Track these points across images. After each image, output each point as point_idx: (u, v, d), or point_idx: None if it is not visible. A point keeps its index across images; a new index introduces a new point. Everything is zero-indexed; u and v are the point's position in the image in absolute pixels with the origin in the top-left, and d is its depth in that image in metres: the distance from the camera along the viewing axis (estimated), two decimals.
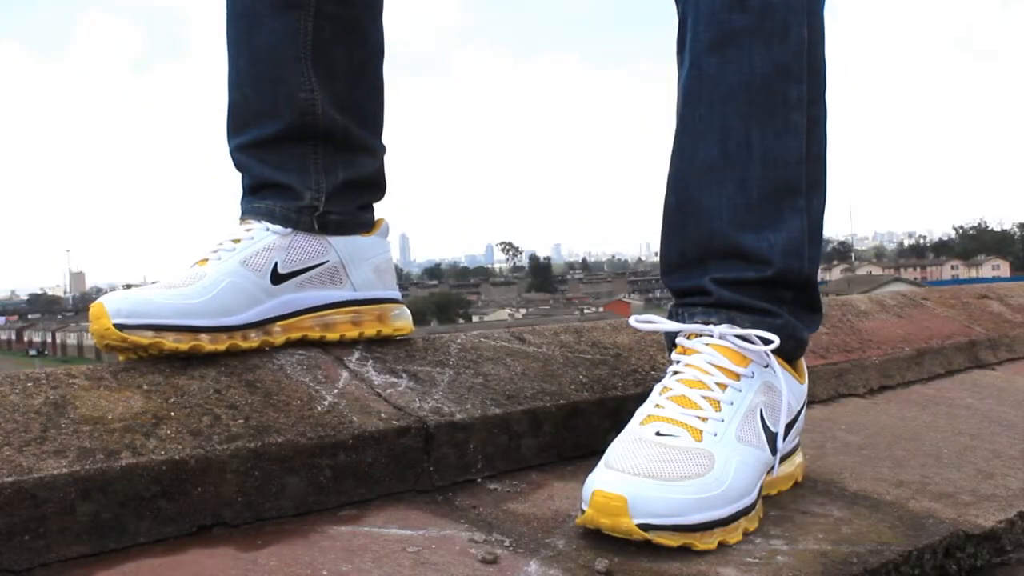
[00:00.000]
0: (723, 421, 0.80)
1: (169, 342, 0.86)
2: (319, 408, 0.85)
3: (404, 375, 0.97)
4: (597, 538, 0.74)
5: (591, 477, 0.75)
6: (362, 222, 1.06)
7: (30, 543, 0.67)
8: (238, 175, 1.05)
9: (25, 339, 75.65)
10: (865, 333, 1.55)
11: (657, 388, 0.84)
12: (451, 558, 0.71)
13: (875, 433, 1.14)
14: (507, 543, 0.74)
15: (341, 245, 1.03)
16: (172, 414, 0.80)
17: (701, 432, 0.78)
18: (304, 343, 0.98)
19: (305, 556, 0.70)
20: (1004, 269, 67.20)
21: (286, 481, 0.79)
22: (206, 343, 0.88)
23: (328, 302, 1.01)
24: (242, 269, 0.94)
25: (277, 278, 0.97)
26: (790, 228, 0.88)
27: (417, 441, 0.87)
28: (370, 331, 1.02)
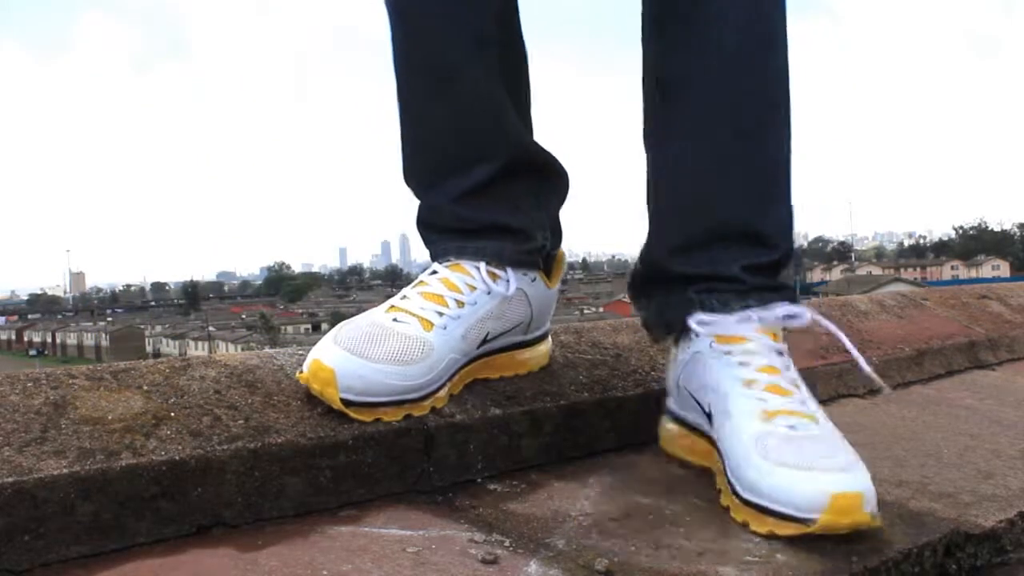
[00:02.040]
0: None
1: (384, 416, 0.85)
2: (319, 408, 0.85)
3: None
4: (597, 538, 0.74)
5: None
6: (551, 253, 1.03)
7: (30, 543, 0.67)
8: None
9: (25, 339, 75.70)
10: (865, 333, 1.55)
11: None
12: (451, 558, 0.71)
13: (875, 433, 1.14)
14: (507, 543, 0.74)
15: (538, 300, 0.99)
16: (172, 414, 0.80)
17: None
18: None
19: (305, 556, 0.70)
20: (1004, 269, 67.20)
21: (286, 481, 0.79)
22: (413, 411, 0.86)
23: (504, 346, 0.98)
24: (462, 344, 0.90)
25: (483, 343, 0.94)
26: (788, 211, 0.95)
27: (417, 441, 0.87)
28: (523, 370, 1.00)
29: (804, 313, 0.89)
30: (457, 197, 0.94)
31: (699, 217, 0.93)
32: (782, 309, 0.88)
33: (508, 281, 0.94)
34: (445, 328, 0.88)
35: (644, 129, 1.00)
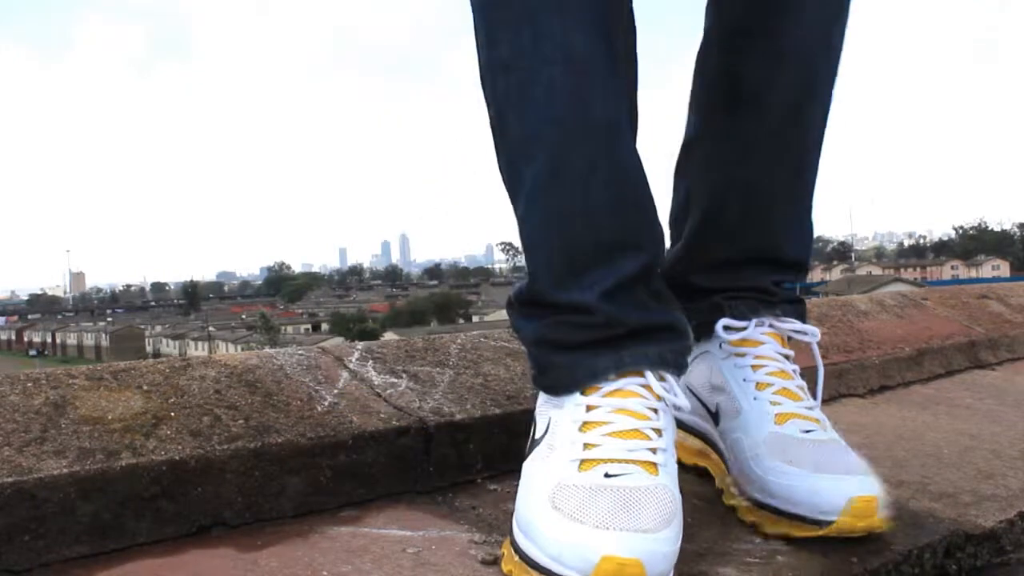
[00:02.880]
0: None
1: None
2: (319, 408, 0.85)
3: (404, 375, 0.97)
4: None
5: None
6: None
7: (30, 543, 0.67)
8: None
9: (25, 339, 75.75)
10: (865, 333, 1.55)
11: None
12: (451, 558, 0.71)
13: (875, 433, 1.14)
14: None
15: None
16: (172, 414, 0.80)
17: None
18: None
19: (305, 557, 0.70)
20: (1004, 269, 67.19)
21: (286, 481, 0.79)
22: None
23: None
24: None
25: None
26: (812, 237, 0.95)
27: (417, 441, 0.86)
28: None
29: (816, 332, 0.89)
30: (602, 294, 0.75)
31: (746, 241, 0.91)
32: (798, 324, 0.89)
33: (674, 390, 0.75)
34: (666, 465, 0.71)
35: (692, 145, 0.94)
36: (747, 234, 0.91)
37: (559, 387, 0.75)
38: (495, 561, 0.70)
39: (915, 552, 0.75)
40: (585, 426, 0.71)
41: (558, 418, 0.74)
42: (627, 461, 0.68)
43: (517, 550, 0.67)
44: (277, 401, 0.85)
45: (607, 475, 0.68)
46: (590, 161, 0.74)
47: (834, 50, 0.89)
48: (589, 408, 0.72)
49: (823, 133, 0.91)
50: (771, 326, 0.88)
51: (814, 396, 0.85)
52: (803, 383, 0.86)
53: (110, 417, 0.77)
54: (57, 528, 0.68)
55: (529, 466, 0.73)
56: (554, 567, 0.63)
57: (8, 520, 0.66)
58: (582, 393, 0.73)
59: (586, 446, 0.70)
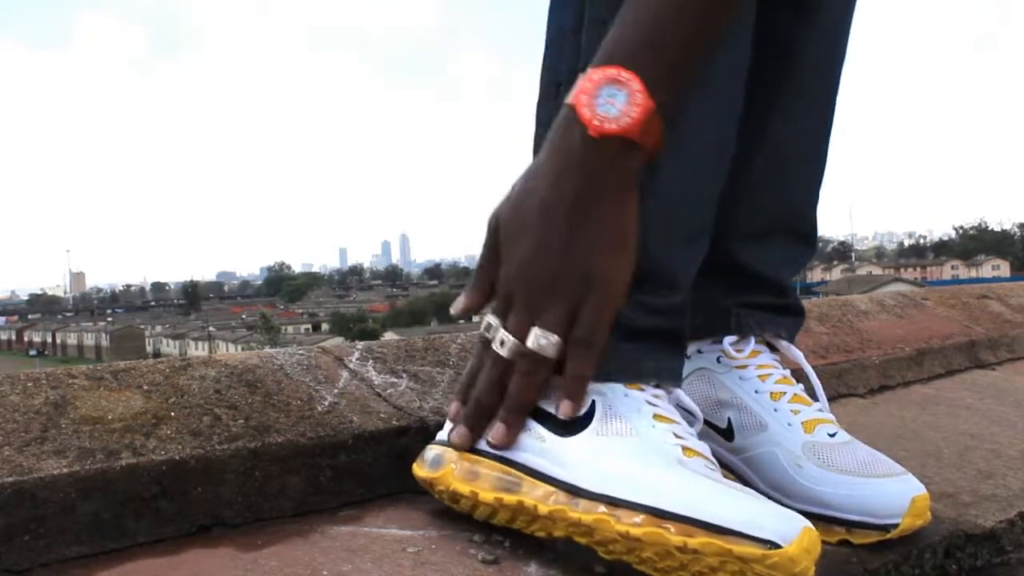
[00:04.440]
0: None
1: None
2: (319, 408, 0.85)
3: (404, 375, 0.97)
4: None
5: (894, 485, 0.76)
6: None
7: (30, 543, 0.67)
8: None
9: (25, 339, 75.78)
10: (865, 333, 1.55)
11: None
12: (451, 558, 0.71)
13: (875, 433, 1.14)
14: (507, 543, 0.74)
15: None
16: (172, 414, 0.80)
17: None
18: None
19: (305, 556, 0.70)
20: (1004, 269, 67.20)
21: (286, 481, 0.79)
22: None
23: None
24: None
25: None
26: None
27: (417, 441, 0.86)
28: None
29: (801, 355, 0.88)
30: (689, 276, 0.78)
31: (768, 200, 0.89)
32: (792, 351, 0.88)
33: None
34: None
35: None
36: (770, 193, 0.89)
37: (610, 374, 0.72)
38: (495, 561, 0.70)
39: (915, 552, 0.75)
40: (658, 418, 0.70)
41: (613, 403, 0.71)
42: (706, 458, 0.70)
43: (702, 523, 0.62)
44: (277, 401, 0.85)
45: (708, 467, 0.69)
46: (729, 133, 0.78)
47: (854, 6, 0.89)
48: (651, 403, 0.71)
49: (838, 93, 0.91)
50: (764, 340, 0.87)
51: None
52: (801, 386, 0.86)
53: (110, 417, 0.77)
54: (57, 528, 0.68)
55: (601, 441, 0.69)
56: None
57: (8, 520, 0.66)
58: (625, 385, 0.72)
59: (676, 436, 0.69)
